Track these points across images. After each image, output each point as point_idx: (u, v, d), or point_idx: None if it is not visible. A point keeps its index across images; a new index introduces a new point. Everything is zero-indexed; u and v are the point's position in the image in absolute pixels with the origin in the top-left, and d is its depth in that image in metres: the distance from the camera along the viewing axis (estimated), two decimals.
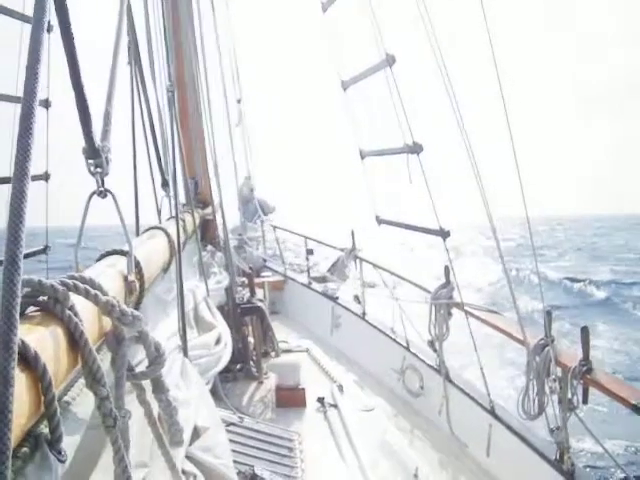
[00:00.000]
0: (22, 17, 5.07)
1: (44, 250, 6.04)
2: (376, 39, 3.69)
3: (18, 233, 0.84)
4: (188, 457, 1.75)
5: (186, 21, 4.58)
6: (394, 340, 5.38)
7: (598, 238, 55.97)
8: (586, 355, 3.07)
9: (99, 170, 1.71)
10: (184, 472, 1.64)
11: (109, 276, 1.60)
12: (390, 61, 3.64)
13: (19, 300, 0.81)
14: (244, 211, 8.93)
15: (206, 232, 5.68)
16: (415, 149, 3.70)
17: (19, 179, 0.88)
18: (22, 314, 1.09)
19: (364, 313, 6.10)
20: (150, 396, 1.48)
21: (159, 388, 1.48)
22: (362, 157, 4.69)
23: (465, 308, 4.13)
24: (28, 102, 0.94)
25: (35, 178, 5.84)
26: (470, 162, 3.41)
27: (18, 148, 0.90)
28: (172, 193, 3.79)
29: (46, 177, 5.87)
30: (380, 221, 4.85)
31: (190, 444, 1.82)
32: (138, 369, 1.40)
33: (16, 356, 0.79)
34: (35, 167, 5.82)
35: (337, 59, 4.54)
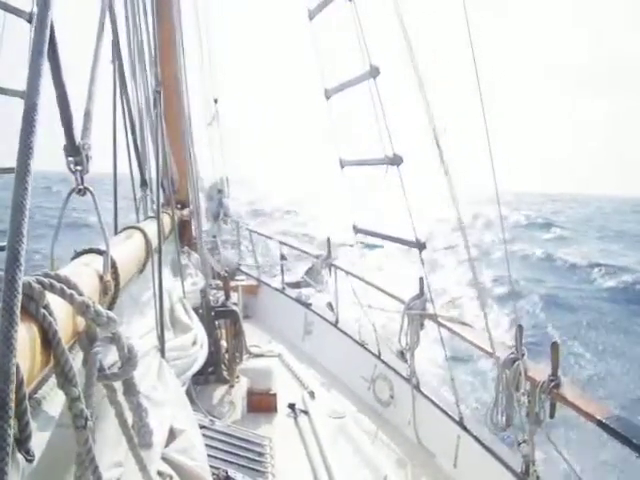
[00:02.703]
0: (3, 6, 4.98)
1: None
2: (361, 50, 3.72)
3: (20, 230, 0.83)
4: (164, 458, 1.74)
5: (172, 20, 4.56)
6: (366, 349, 5.39)
7: (604, 219, 56.02)
8: (554, 370, 3.12)
9: (79, 168, 1.70)
10: (160, 473, 1.63)
11: (85, 275, 1.59)
12: (374, 72, 3.66)
13: (20, 297, 0.81)
14: (208, 208, 8.82)
15: (183, 233, 5.65)
16: (395, 160, 3.72)
17: (21, 176, 0.87)
18: None
19: (337, 321, 6.10)
20: (121, 397, 1.47)
21: (130, 390, 1.48)
22: (342, 166, 4.70)
23: (438, 320, 4.17)
24: (31, 98, 0.94)
25: (4, 171, 5.72)
26: (440, 158, 3.38)
27: (20, 144, 0.89)
28: (153, 192, 3.77)
29: None
30: (357, 230, 4.87)
31: (166, 445, 1.81)
32: (111, 370, 1.39)
33: (17, 353, 0.78)
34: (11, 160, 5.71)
35: (322, 67, 4.55)
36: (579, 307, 17.30)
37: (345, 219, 5.08)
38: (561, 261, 26.22)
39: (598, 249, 30.43)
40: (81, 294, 1.25)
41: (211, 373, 4.83)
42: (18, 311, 0.80)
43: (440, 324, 4.15)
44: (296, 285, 7.37)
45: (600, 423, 2.79)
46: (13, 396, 0.76)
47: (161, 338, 2.51)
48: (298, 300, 6.98)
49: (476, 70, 2.96)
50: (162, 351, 2.47)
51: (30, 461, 0.97)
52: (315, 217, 40.82)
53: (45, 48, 1.00)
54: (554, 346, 3.17)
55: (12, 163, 0.92)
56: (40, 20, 1.02)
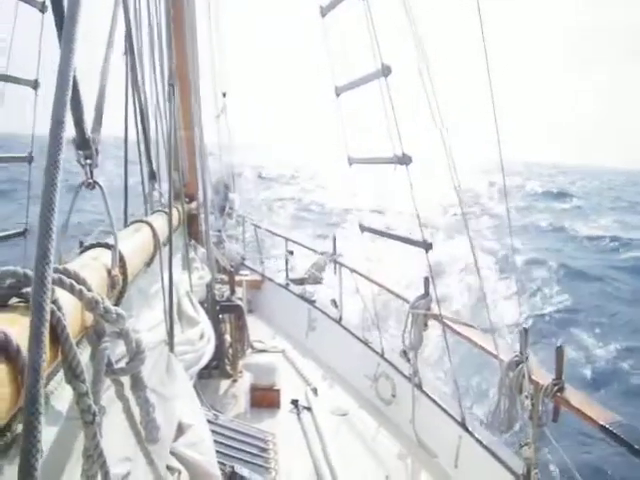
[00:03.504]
0: None
1: (23, 233, 5.93)
2: (372, 48, 3.70)
3: (50, 227, 0.83)
4: (173, 453, 1.75)
5: (188, 13, 4.55)
6: (369, 347, 5.40)
7: (617, 191, 55.69)
8: (559, 374, 3.11)
9: (89, 162, 1.71)
10: (169, 468, 1.64)
11: (93, 269, 1.59)
12: (385, 71, 3.64)
13: (50, 294, 0.81)
14: (214, 202, 8.82)
15: (190, 227, 5.66)
16: (404, 160, 3.70)
17: (51, 173, 0.86)
18: (6, 305, 1.09)
19: (340, 318, 6.11)
20: (129, 392, 1.48)
21: (137, 385, 1.48)
22: (350, 164, 4.69)
23: (443, 320, 4.16)
24: (60, 95, 0.93)
25: (18, 160, 5.77)
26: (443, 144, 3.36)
27: (50, 141, 0.89)
28: (162, 186, 3.77)
29: (30, 159, 5.79)
30: (363, 229, 4.86)
31: (175, 440, 1.82)
32: (119, 364, 1.39)
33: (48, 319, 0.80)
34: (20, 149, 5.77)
35: (333, 64, 4.53)
36: (600, 277, 17.29)
37: (351, 186, 5.01)
38: (578, 231, 26.49)
39: (614, 220, 30.84)
40: (90, 289, 1.26)
41: (215, 367, 4.85)
42: (48, 308, 0.80)
43: (444, 324, 4.14)
44: (300, 281, 7.37)
45: (603, 428, 2.79)
46: (42, 392, 0.77)
47: (170, 332, 2.51)
48: (302, 296, 6.98)
49: (483, 38, 2.92)
50: (171, 345, 2.47)
51: None
52: (322, 185, 41.14)
53: (76, 45, 0.99)
54: (559, 350, 3.16)
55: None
56: (70, 17, 1.01)
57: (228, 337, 5.07)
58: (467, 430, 3.92)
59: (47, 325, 0.80)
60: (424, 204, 3.86)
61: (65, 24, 1.00)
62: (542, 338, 11.77)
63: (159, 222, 2.86)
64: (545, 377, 3.19)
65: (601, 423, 2.80)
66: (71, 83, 0.95)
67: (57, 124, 0.90)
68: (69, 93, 0.94)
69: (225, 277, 5.50)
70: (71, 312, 1.20)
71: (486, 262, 17.02)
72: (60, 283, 1.16)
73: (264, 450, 3.45)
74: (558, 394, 3.06)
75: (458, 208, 3.56)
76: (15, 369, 0.93)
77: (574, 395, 3.07)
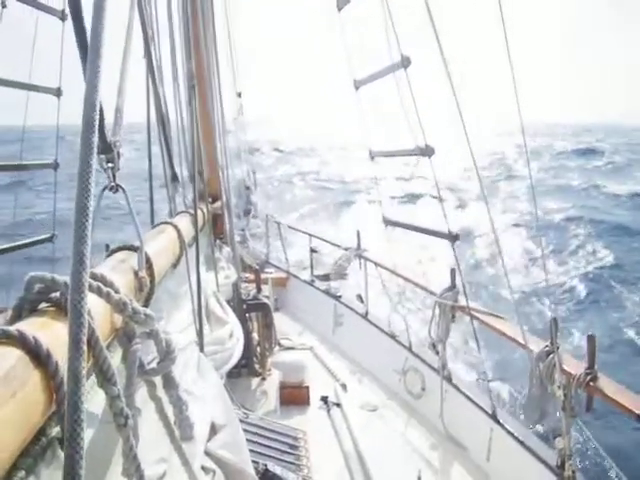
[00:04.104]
0: (36, 4, 5.05)
1: (50, 239, 6.02)
2: (389, 40, 3.65)
3: (85, 232, 0.83)
4: (207, 453, 1.76)
5: (205, 14, 4.55)
6: (396, 341, 5.37)
7: None
8: (591, 363, 3.06)
9: (110, 165, 1.71)
10: (203, 468, 1.65)
11: (120, 272, 1.60)
12: (405, 63, 3.60)
13: (87, 299, 0.82)
14: (236, 204, 8.85)
15: (214, 227, 5.68)
16: (427, 152, 3.66)
17: (83, 177, 0.86)
18: (35, 310, 1.10)
19: (367, 313, 6.08)
20: (161, 391, 1.49)
21: (169, 384, 1.49)
22: (371, 157, 4.65)
23: (470, 312, 4.12)
24: (90, 99, 0.93)
25: (44, 166, 5.86)
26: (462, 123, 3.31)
27: (82, 146, 0.88)
28: (186, 187, 3.78)
29: (55, 166, 5.88)
30: (387, 222, 4.82)
31: (208, 440, 1.82)
32: (150, 365, 1.40)
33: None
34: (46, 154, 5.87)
35: (350, 58, 4.50)
36: None
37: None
38: (613, 188, 26.30)
39: None
40: (118, 292, 1.26)
41: (243, 366, 4.86)
42: (86, 313, 0.80)
43: (472, 316, 4.10)
44: (325, 277, 7.35)
45: (639, 417, 2.74)
46: (84, 397, 0.77)
47: (200, 332, 2.52)
48: (327, 292, 6.97)
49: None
50: (201, 345, 2.48)
51: None
52: (340, 156, 41.35)
53: (102, 50, 0.99)
54: (590, 338, 3.11)
55: None
56: (95, 24, 1.02)
57: (256, 335, 5.08)
58: (498, 422, 3.88)
59: (85, 332, 0.80)
60: (447, 170, 3.81)
61: (91, 31, 1.00)
62: (587, 297, 11.54)
63: (184, 223, 2.87)
64: (577, 367, 3.14)
65: (637, 412, 2.75)
66: (99, 90, 0.95)
67: (88, 129, 0.90)
68: (98, 99, 0.93)
69: (251, 276, 5.51)
70: (100, 315, 1.21)
71: (520, 223, 16.98)
72: (88, 286, 1.16)
73: (295, 447, 3.45)
74: (591, 384, 3.01)
75: (486, 172, 3.52)
76: (47, 374, 0.93)
77: (607, 384, 3.02)
